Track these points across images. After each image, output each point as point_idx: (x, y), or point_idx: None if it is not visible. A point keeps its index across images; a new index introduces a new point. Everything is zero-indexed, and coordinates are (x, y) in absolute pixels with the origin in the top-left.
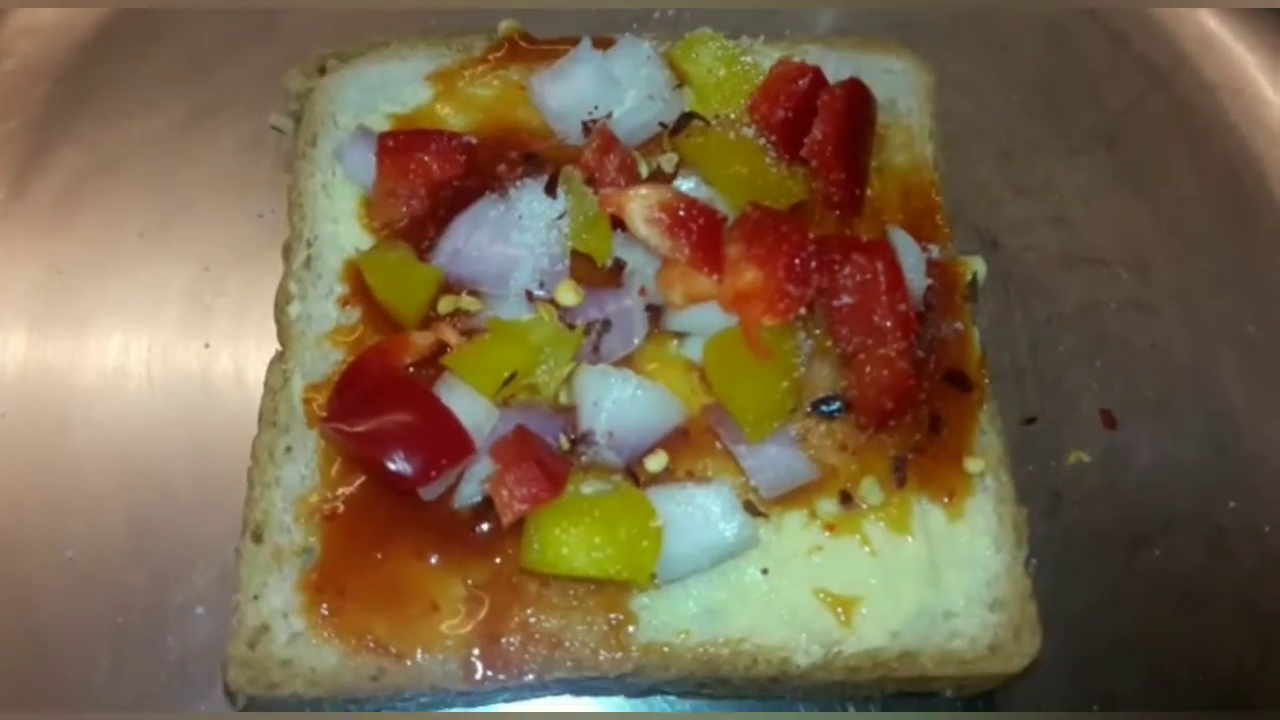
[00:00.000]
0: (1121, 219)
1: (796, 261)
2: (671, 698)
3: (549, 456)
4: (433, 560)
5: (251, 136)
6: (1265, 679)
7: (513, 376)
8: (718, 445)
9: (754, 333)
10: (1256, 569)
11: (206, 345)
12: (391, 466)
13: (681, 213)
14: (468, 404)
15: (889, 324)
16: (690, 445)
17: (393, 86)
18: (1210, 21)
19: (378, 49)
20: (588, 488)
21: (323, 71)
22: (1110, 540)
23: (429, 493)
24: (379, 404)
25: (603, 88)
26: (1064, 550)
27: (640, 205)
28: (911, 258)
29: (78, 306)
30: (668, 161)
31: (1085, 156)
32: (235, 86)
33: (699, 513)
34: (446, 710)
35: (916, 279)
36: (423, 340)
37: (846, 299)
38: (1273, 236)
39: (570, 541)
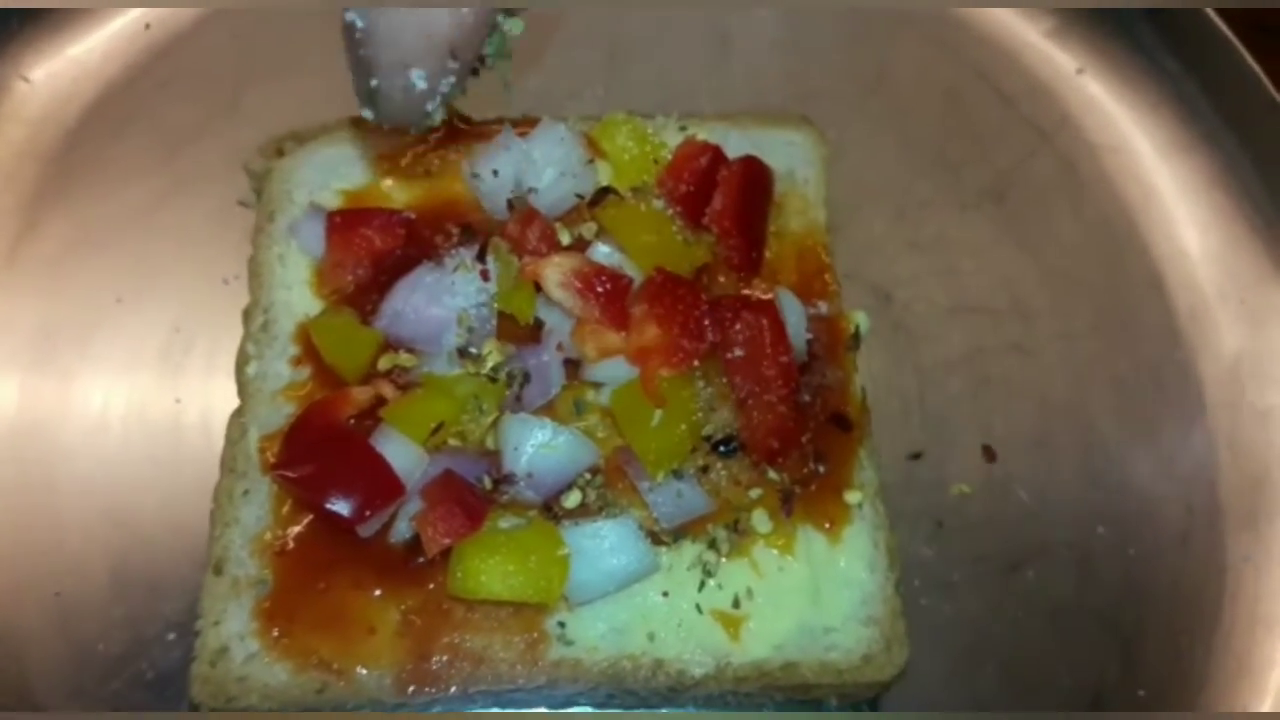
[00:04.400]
0: (1007, 269)
1: (691, 320)
2: (588, 707)
3: (471, 496)
4: (371, 589)
5: (219, 211)
6: (1124, 691)
7: (440, 426)
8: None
9: (652, 383)
10: (1121, 590)
11: (177, 400)
12: (330, 508)
13: (591, 278)
14: (401, 451)
15: (773, 374)
16: (605, 482)
17: (343, 166)
18: (1092, 86)
19: (330, 132)
20: (505, 523)
21: (281, 153)
22: (988, 564)
23: (366, 530)
24: (321, 452)
25: (522, 168)
26: (945, 573)
27: (555, 272)
28: (795, 315)
29: (62, 365)
30: (588, 230)
31: (975, 212)
32: (205, 166)
33: (606, 543)
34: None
35: (798, 333)
36: (362, 395)
37: (738, 351)
38: (1145, 283)
39: (487, 570)
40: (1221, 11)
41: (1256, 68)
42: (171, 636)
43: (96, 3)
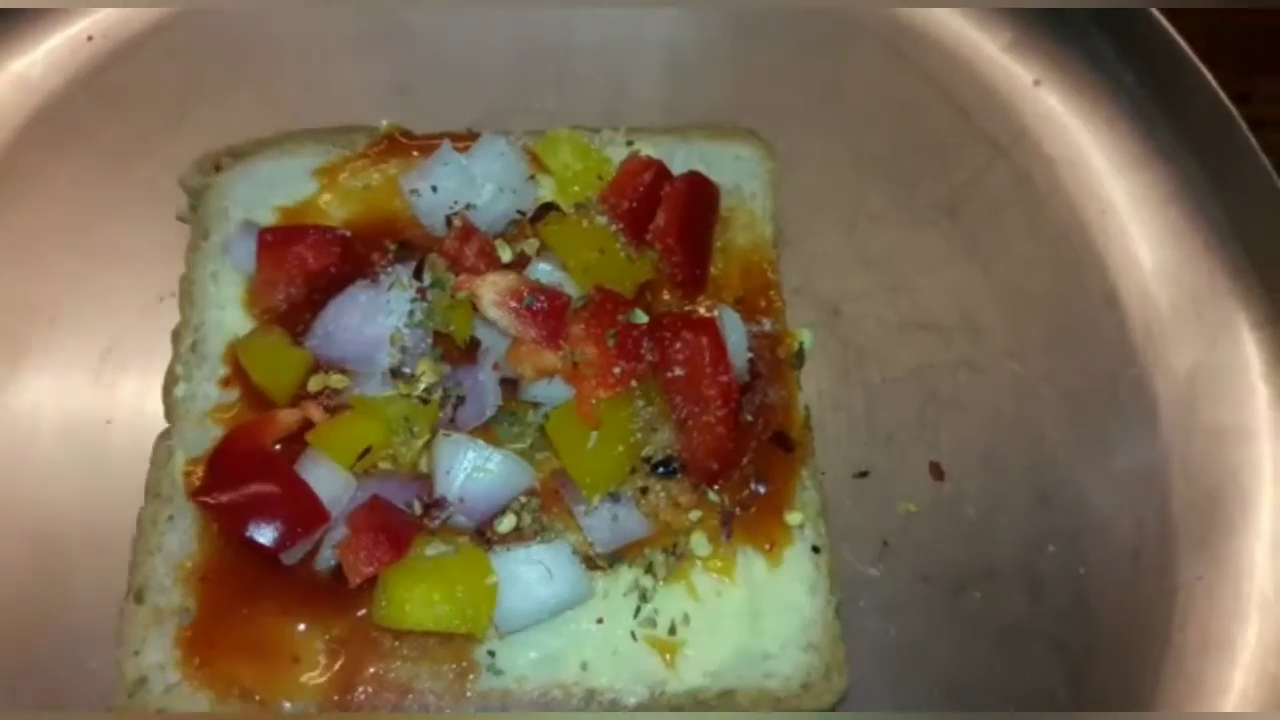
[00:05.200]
0: (958, 285)
1: (629, 340)
2: None
3: (397, 522)
4: (295, 618)
5: (158, 228)
6: (1071, 711)
7: (368, 450)
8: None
9: (587, 404)
10: (1070, 610)
11: (108, 422)
12: (252, 535)
13: (527, 297)
14: (327, 476)
15: (713, 393)
16: (542, 506)
17: (281, 181)
18: (1050, 98)
19: (268, 146)
20: (432, 550)
21: (218, 169)
22: (934, 584)
23: (289, 557)
24: (243, 478)
25: (462, 184)
26: (890, 594)
27: (490, 291)
28: (736, 333)
29: None
30: (530, 246)
31: (928, 226)
32: (145, 182)
33: (538, 570)
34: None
35: (740, 352)
36: (289, 418)
37: (678, 371)
38: (1099, 298)
39: (412, 599)
40: (1175, 18)
41: (1213, 82)
42: (93, 666)
43: (71, 2)
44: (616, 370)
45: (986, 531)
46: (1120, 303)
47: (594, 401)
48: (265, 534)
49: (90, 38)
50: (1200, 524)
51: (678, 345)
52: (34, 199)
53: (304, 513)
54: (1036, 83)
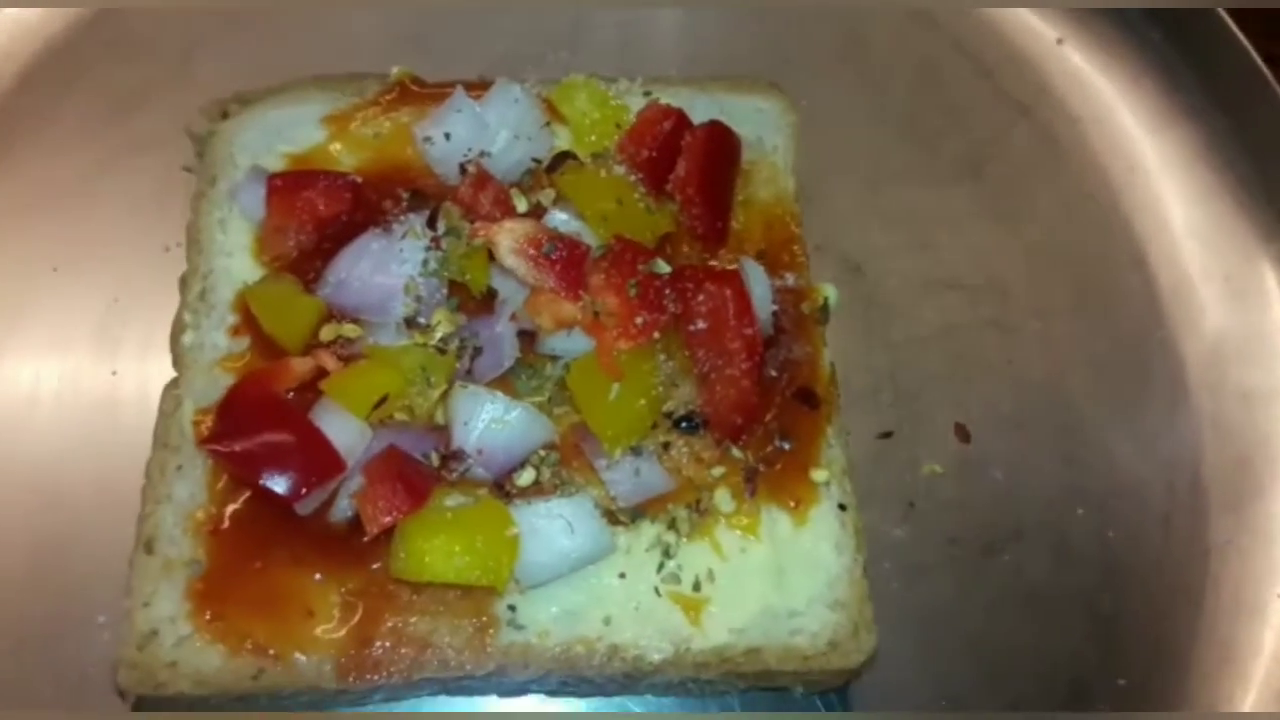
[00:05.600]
0: (983, 245)
1: (651, 290)
2: (539, 695)
3: (415, 472)
4: (310, 570)
5: (164, 177)
6: (1103, 678)
7: (384, 400)
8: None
9: (608, 356)
10: (1099, 573)
11: (114, 373)
12: (266, 484)
13: (546, 245)
14: (341, 425)
15: (736, 346)
16: (561, 460)
17: (289, 128)
18: (1074, 56)
19: (276, 94)
20: (451, 501)
21: (225, 116)
22: (962, 546)
23: (303, 508)
24: (256, 426)
25: (475, 131)
26: (917, 556)
27: (508, 238)
28: (760, 286)
29: None
30: (545, 197)
31: (950, 185)
32: (150, 131)
33: (559, 523)
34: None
35: (764, 305)
36: (301, 366)
37: (700, 324)
38: (1127, 260)
39: (432, 550)
40: None
41: (1243, 38)
42: (102, 619)
43: None
44: (638, 321)
45: (1014, 494)
46: (1148, 264)
47: (615, 353)
48: (279, 483)
49: None
50: (1231, 488)
51: (700, 297)
52: (35, 147)
53: (319, 461)
54: (1060, 41)
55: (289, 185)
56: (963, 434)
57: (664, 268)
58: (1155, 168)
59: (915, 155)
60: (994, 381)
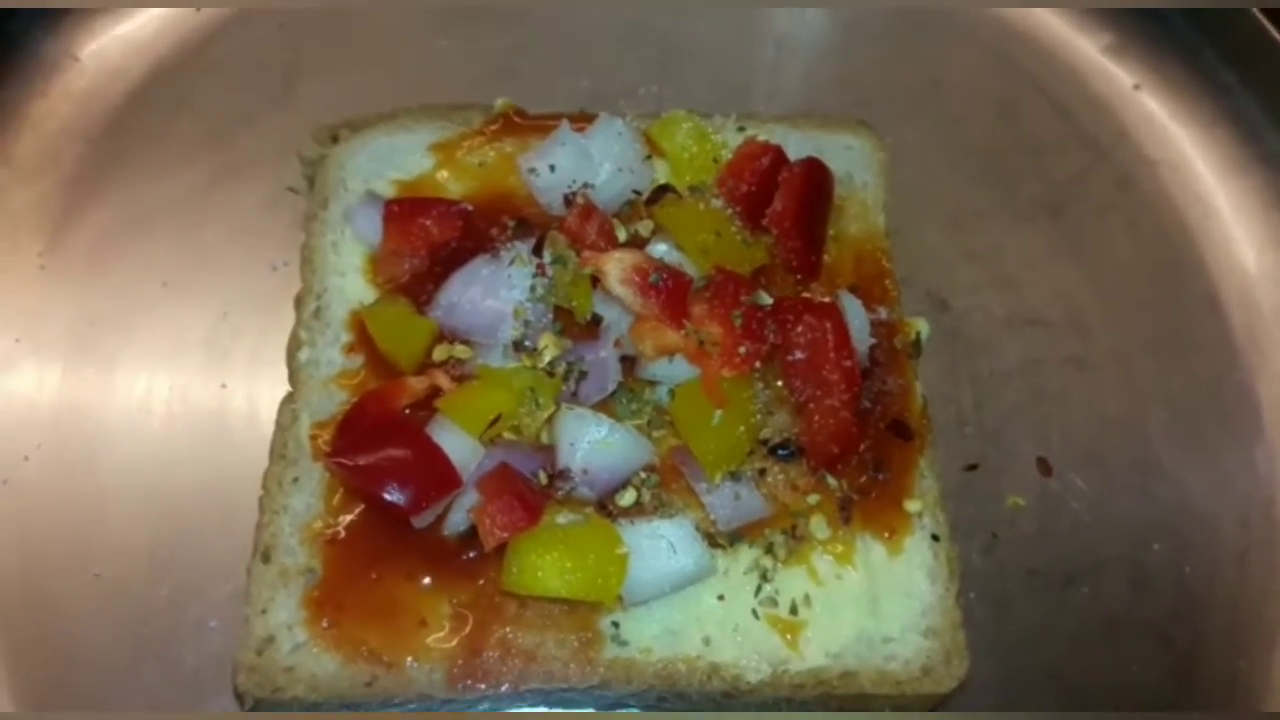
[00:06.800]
0: (1063, 283)
1: (754, 320)
2: (635, 709)
3: (528, 490)
4: (423, 581)
5: (269, 197)
6: (1179, 710)
7: (498, 418)
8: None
9: (713, 383)
10: (1176, 606)
11: (223, 386)
12: (387, 497)
13: (652, 275)
14: (457, 442)
15: (835, 378)
16: (660, 482)
17: (398, 155)
18: (1150, 102)
19: (385, 120)
20: (562, 519)
21: (335, 140)
22: (1042, 578)
23: (420, 521)
24: (377, 441)
25: (580, 163)
26: (999, 586)
27: (616, 267)
28: (858, 319)
29: (106, 351)
30: (644, 228)
31: (1030, 224)
32: (254, 152)
33: (663, 544)
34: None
35: (862, 338)
36: (418, 385)
37: (799, 354)
38: (1202, 303)
39: (545, 566)
40: (1276, 19)
41: None
42: (214, 624)
43: None
44: (742, 350)
45: (1093, 527)
46: (1222, 306)
47: (719, 381)
48: (400, 496)
49: (199, 7)
50: None
51: (800, 329)
52: (142, 167)
53: (437, 476)
54: (1136, 87)
55: (405, 211)
56: (1044, 467)
57: (766, 299)
58: (1229, 212)
59: (996, 194)
60: (1073, 417)
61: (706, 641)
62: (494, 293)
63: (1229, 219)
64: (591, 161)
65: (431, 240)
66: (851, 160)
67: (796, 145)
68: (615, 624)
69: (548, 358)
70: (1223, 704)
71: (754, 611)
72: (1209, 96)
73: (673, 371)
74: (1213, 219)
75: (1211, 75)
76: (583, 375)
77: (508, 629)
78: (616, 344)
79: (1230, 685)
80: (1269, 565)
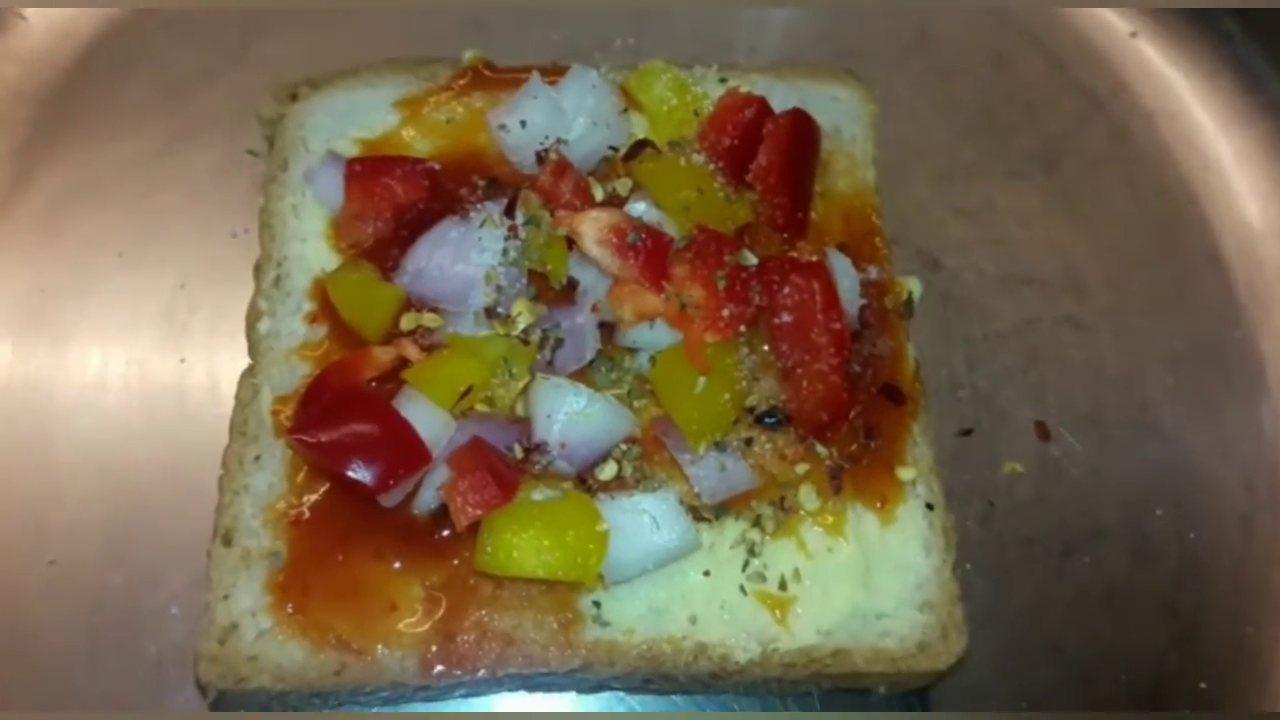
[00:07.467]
0: (1058, 240)
1: (738, 282)
2: (622, 693)
3: (502, 465)
4: (393, 563)
5: (227, 160)
6: (1184, 679)
7: (469, 390)
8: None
9: (696, 348)
10: (1179, 574)
11: (182, 360)
12: (352, 475)
13: (630, 235)
14: (426, 416)
15: (824, 341)
16: (642, 454)
17: (361, 113)
18: (1147, 50)
19: (347, 77)
20: (538, 495)
21: (294, 98)
22: (1041, 546)
23: (388, 500)
24: (341, 416)
25: (552, 118)
26: (997, 555)
27: (592, 227)
28: (847, 279)
29: (59, 323)
30: (622, 186)
31: (1024, 179)
32: (211, 113)
33: (645, 519)
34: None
35: (851, 299)
36: (384, 355)
37: (785, 317)
38: (1203, 258)
39: (520, 545)
40: None
41: None
42: (175, 610)
43: None
44: (726, 313)
45: (1092, 493)
46: (1224, 262)
47: (702, 346)
48: (366, 474)
49: None
50: None
51: (786, 290)
52: (94, 131)
53: (406, 453)
54: (1134, 34)
55: (368, 171)
56: (1043, 432)
57: (751, 259)
58: (1231, 164)
59: (988, 149)
60: (1072, 378)
61: (692, 620)
62: (464, 257)
63: (1231, 171)
64: (564, 116)
65: (397, 201)
66: (839, 113)
67: (781, 97)
68: (596, 604)
69: (522, 325)
70: (1228, 678)
71: (741, 588)
72: (1210, 44)
73: (653, 337)
74: (1214, 171)
75: (1212, 22)
76: (559, 343)
77: (483, 611)
78: (594, 309)
79: (1235, 653)
80: (1275, 529)
